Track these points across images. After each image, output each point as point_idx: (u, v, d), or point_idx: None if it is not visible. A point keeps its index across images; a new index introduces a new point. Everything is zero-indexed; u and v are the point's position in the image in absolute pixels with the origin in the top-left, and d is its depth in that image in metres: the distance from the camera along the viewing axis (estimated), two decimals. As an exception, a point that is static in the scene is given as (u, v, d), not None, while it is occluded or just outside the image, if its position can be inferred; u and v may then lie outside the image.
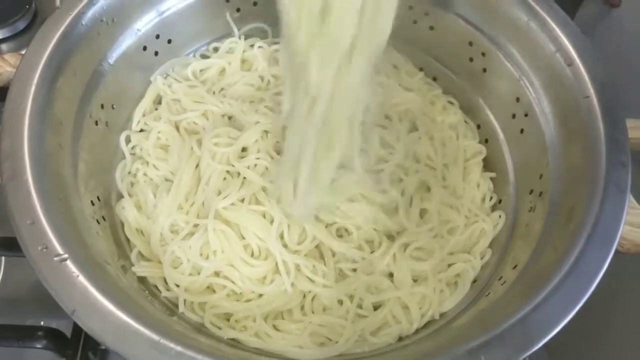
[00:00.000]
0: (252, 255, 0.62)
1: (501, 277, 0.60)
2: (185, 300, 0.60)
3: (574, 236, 0.53)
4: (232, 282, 0.60)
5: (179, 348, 0.44)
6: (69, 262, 0.47)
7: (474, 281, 0.64)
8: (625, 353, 0.68)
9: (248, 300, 0.60)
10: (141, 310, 0.50)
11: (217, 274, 0.61)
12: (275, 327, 0.59)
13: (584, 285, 0.49)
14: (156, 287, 0.61)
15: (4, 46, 0.93)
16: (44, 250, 0.47)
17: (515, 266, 0.60)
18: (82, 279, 0.47)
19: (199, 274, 0.61)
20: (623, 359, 0.69)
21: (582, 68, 0.61)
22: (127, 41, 0.68)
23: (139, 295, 0.55)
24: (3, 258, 0.74)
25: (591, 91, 0.60)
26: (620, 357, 0.69)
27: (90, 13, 0.62)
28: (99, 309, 0.46)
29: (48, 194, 0.51)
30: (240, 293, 0.61)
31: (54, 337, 0.61)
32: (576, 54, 0.62)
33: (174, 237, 0.62)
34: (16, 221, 0.49)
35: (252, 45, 0.77)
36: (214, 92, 0.73)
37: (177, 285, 0.60)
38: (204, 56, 0.78)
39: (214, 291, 0.61)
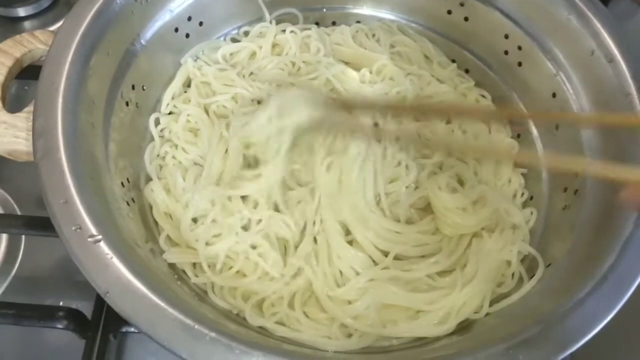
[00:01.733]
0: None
1: (534, 275, 0.59)
2: (214, 286, 0.59)
3: (613, 236, 0.52)
4: (265, 261, 0.60)
5: (213, 334, 0.44)
6: (102, 243, 0.47)
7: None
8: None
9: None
10: (173, 294, 0.49)
11: (253, 247, 0.61)
12: (305, 314, 0.58)
13: (624, 286, 0.49)
14: (184, 272, 0.60)
15: (28, 23, 0.93)
16: (78, 230, 0.47)
17: (549, 264, 0.59)
18: (115, 260, 0.46)
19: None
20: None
21: (623, 65, 0.60)
22: (159, 21, 0.67)
23: (169, 280, 0.55)
24: (23, 237, 0.73)
25: (633, 89, 0.59)
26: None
27: (124, -9, 0.61)
28: (133, 292, 0.45)
29: (81, 173, 0.51)
30: (272, 278, 0.60)
31: (74, 318, 0.61)
32: (618, 50, 0.61)
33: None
34: (49, 200, 0.48)
35: (283, 31, 0.76)
36: (243, 76, 0.72)
37: (209, 267, 0.59)
38: (234, 40, 0.77)
39: (244, 275, 0.60)
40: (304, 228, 0.63)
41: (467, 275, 0.61)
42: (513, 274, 0.61)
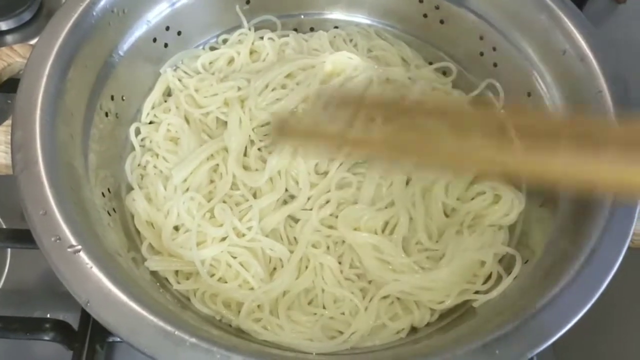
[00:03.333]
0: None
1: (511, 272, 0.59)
2: (196, 292, 0.60)
3: (587, 232, 0.53)
4: (247, 270, 0.61)
5: (193, 340, 0.45)
6: (82, 253, 0.47)
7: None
8: (631, 350, 0.68)
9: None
10: (155, 302, 0.50)
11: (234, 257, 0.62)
12: (289, 317, 0.59)
13: (598, 280, 0.50)
14: (167, 279, 0.61)
15: (10, 37, 0.93)
16: (57, 241, 0.47)
17: (527, 261, 0.60)
18: (95, 270, 0.47)
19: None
20: (628, 356, 0.69)
21: (594, 63, 0.61)
22: (137, 32, 0.67)
23: (151, 288, 0.55)
24: (9, 250, 0.74)
25: (604, 86, 0.60)
26: (625, 353, 0.69)
27: (101, 3, 0.62)
28: (113, 301, 0.46)
29: (60, 184, 0.51)
30: (252, 288, 0.60)
31: (61, 330, 0.61)
32: (589, 49, 0.62)
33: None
34: (29, 212, 0.49)
35: (261, 37, 0.77)
36: (221, 81, 0.72)
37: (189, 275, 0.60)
38: (213, 48, 0.77)
39: (225, 282, 0.61)
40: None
41: (439, 266, 0.61)
42: (490, 274, 0.61)
